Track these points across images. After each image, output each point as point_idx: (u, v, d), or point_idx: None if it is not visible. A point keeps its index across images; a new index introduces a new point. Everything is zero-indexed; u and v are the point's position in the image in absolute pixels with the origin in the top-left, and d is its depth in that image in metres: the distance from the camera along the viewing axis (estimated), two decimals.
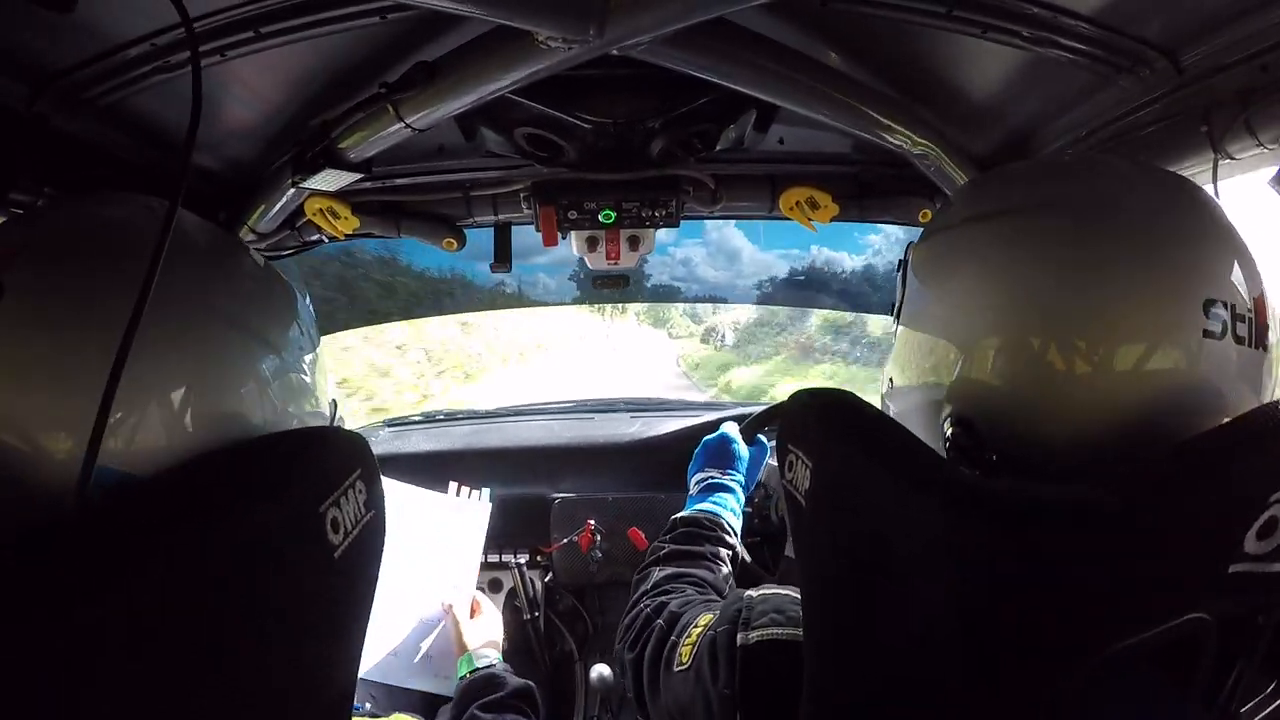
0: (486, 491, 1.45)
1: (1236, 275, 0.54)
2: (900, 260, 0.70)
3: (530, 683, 1.09)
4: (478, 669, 1.10)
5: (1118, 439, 0.53)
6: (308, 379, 0.64)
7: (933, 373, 0.62)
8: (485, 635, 1.20)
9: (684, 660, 0.78)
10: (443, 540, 1.33)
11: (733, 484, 1.18)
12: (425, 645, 1.25)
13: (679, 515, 1.12)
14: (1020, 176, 0.65)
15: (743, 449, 1.24)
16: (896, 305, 0.69)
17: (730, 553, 1.08)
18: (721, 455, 1.23)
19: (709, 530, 1.08)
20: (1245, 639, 0.51)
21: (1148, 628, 0.46)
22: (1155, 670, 0.51)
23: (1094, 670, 0.45)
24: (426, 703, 1.30)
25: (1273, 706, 0.56)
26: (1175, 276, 0.53)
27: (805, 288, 2.14)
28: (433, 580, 1.28)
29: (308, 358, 0.64)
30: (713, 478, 1.19)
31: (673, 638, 0.83)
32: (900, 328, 0.68)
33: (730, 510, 1.13)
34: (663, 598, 0.93)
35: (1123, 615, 0.46)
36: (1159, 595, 0.47)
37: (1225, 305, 0.52)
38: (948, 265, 0.63)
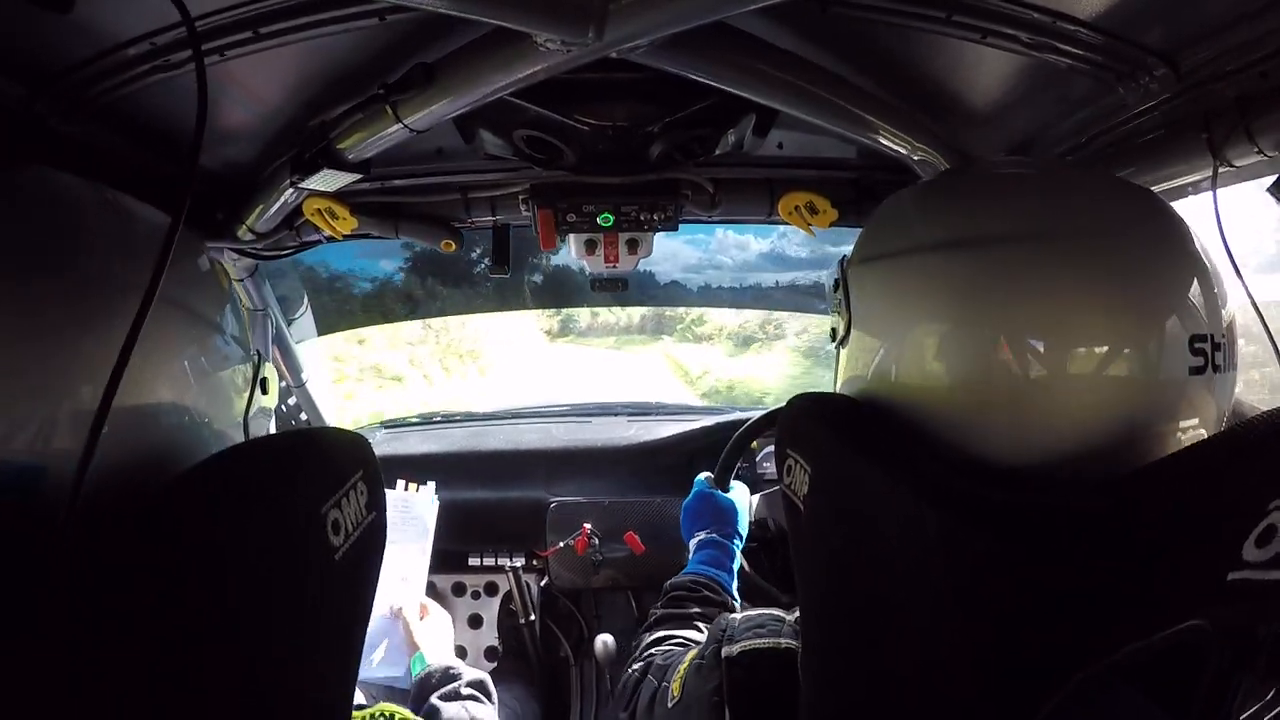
0: (431, 485, 1.45)
1: (1215, 305, 0.54)
2: (836, 280, 0.66)
3: (484, 674, 1.11)
4: (430, 665, 1.12)
5: (1099, 456, 0.53)
6: (241, 377, 0.63)
7: (891, 404, 0.60)
8: (436, 635, 1.23)
9: (675, 695, 0.80)
10: (391, 533, 1.33)
11: (721, 538, 1.18)
12: (379, 641, 1.27)
13: (670, 581, 1.14)
14: (986, 196, 0.61)
15: (723, 495, 1.25)
16: (842, 330, 0.66)
17: (720, 610, 1.08)
18: (703, 513, 1.23)
19: (694, 591, 1.09)
20: (1245, 646, 0.51)
21: (1147, 634, 0.46)
22: (1155, 678, 0.50)
23: (1095, 677, 0.45)
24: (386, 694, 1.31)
25: (1272, 714, 0.56)
26: (1166, 317, 0.53)
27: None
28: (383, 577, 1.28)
29: (241, 357, 0.64)
30: (703, 537, 1.19)
31: (663, 684, 0.85)
32: (849, 352, 0.66)
33: (717, 567, 1.14)
34: (650, 658, 0.95)
35: (1122, 621, 0.46)
36: (1158, 602, 0.47)
37: (1208, 339, 0.53)
38: (903, 298, 0.59)
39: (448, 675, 1.08)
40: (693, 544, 1.20)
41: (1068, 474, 0.53)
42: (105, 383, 0.45)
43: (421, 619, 1.27)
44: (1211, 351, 0.53)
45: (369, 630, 1.20)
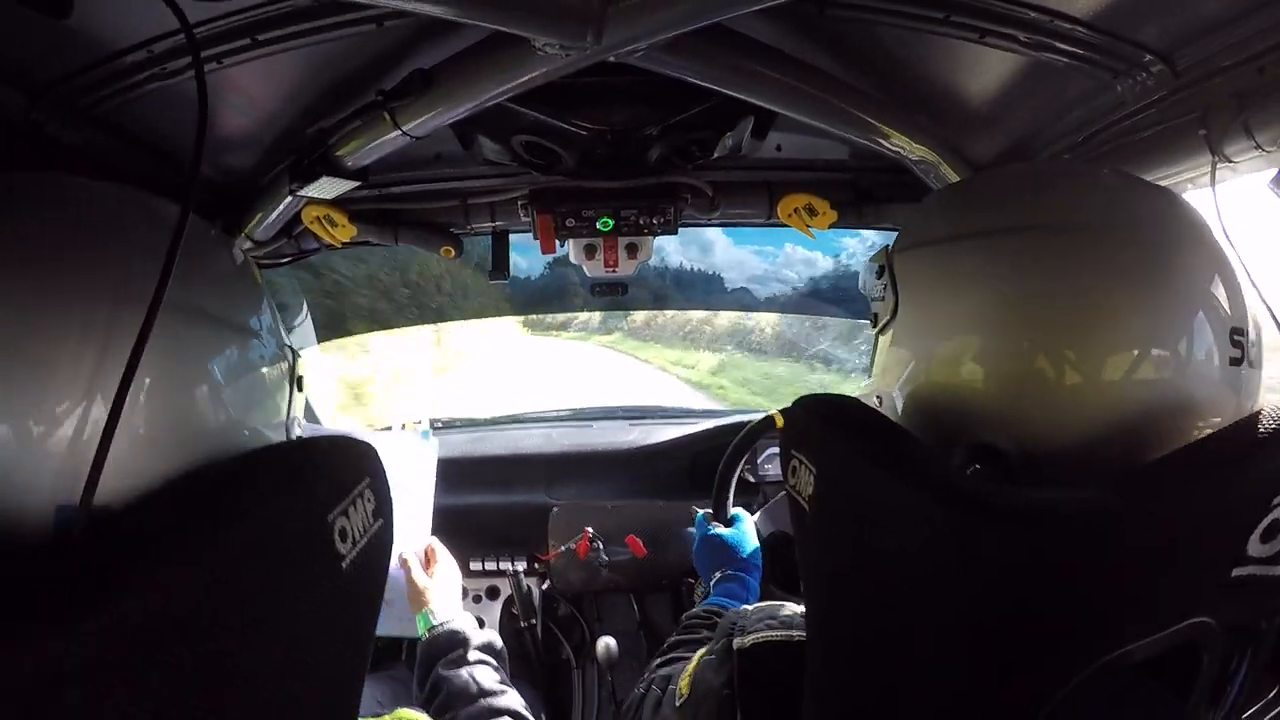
0: (425, 421, 1.43)
1: (1246, 302, 0.55)
2: (881, 267, 0.66)
3: (494, 634, 1.07)
4: (436, 626, 1.08)
5: (1131, 447, 0.53)
6: (280, 380, 0.62)
7: (936, 388, 0.60)
8: (442, 588, 1.17)
9: (684, 693, 0.79)
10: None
11: (737, 571, 1.18)
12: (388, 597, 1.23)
13: (686, 614, 1.13)
14: (1029, 187, 0.62)
15: (727, 531, 1.25)
16: (884, 317, 0.66)
17: None
18: (714, 554, 1.22)
19: (707, 619, 1.08)
20: (1248, 643, 0.51)
21: (1152, 631, 0.46)
22: (1160, 674, 0.50)
23: (1099, 674, 0.45)
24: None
25: (1276, 710, 0.56)
26: (1211, 309, 0.53)
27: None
28: None
29: (278, 358, 0.63)
30: (719, 575, 1.19)
31: (670, 688, 0.84)
32: (889, 340, 0.66)
33: (732, 599, 1.14)
34: (653, 676, 0.94)
35: (1127, 618, 0.46)
36: (1163, 599, 0.47)
37: (1244, 333, 0.54)
38: (957, 282, 0.60)
39: (453, 640, 1.05)
40: (711, 584, 1.20)
41: (1099, 462, 0.52)
42: (144, 383, 0.47)
43: (429, 568, 1.21)
44: (1247, 345, 0.54)
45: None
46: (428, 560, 1.23)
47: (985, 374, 0.56)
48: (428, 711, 0.94)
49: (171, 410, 0.50)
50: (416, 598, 1.14)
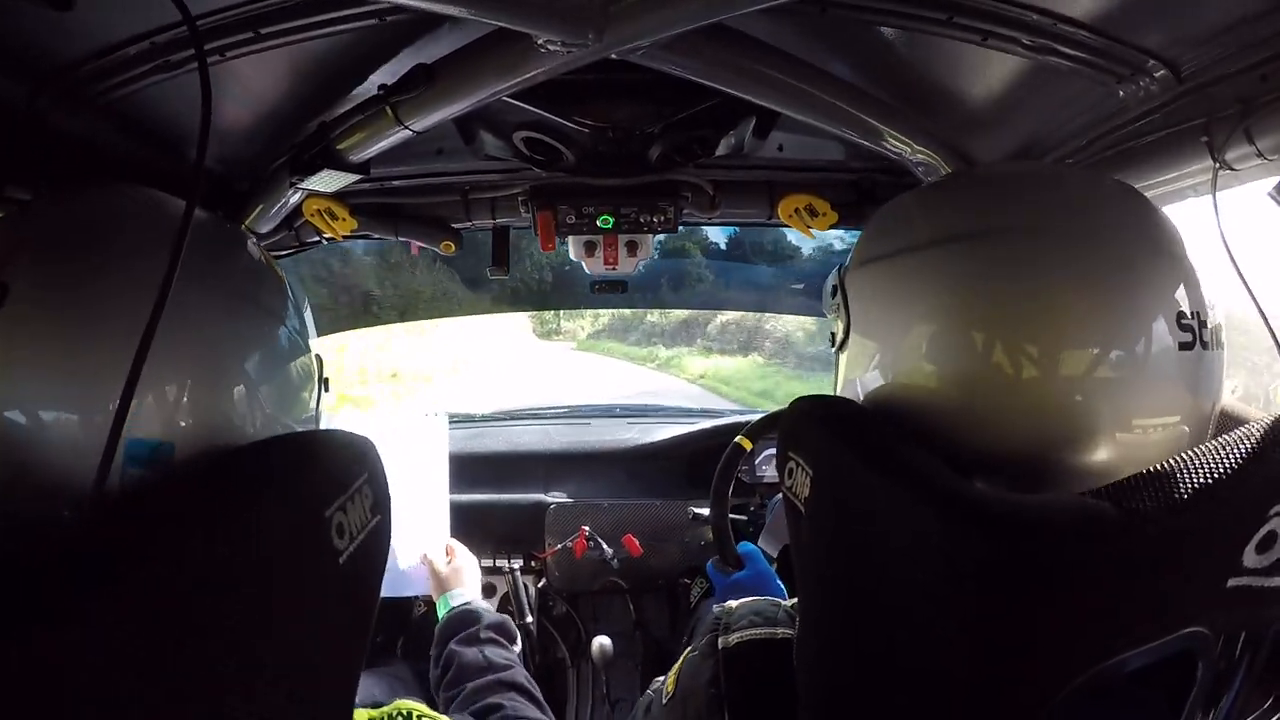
0: (444, 417, 1.46)
1: (1198, 287, 0.55)
2: (834, 287, 0.67)
3: (505, 615, 1.15)
4: (454, 607, 1.16)
5: (1097, 443, 0.53)
6: (310, 365, 0.67)
7: (892, 406, 0.60)
8: (462, 577, 1.28)
9: (670, 690, 0.79)
10: (403, 471, 1.32)
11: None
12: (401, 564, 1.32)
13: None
14: (970, 195, 0.63)
15: (744, 574, 1.22)
16: (840, 337, 0.67)
17: None
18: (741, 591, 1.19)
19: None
20: (1243, 654, 0.51)
21: (1146, 640, 0.46)
22: (1155, 684, 0.50)
23: (1093, 682, 0.45)
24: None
25: None
26: (1152, 295, 0.53)
27: None
28: (401, 517, 1.29)
29: (308, 344, 0.67)
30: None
31: (659, 688, 0.84)
32: (845, 360, 0.66)
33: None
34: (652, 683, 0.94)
35: (1121, 628, 0.46)
36: (1157, 608, 0.47)
37: (1194, 315, 0.53)
38: (907, 293, 0.60)
39: (468, 618, 1.12)
40: None
41: (1067, 463, 0.53)
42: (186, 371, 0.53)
43: (449, 562, 1.30)
44: (1199, 328, 0.54)
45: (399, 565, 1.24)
46: (447, 560, 1.33)
47: (937, 386, 0.57)
48: (440, 684, 1.03)
49: (211, 389, 0.55)
50: (439, 586, 1.25)
